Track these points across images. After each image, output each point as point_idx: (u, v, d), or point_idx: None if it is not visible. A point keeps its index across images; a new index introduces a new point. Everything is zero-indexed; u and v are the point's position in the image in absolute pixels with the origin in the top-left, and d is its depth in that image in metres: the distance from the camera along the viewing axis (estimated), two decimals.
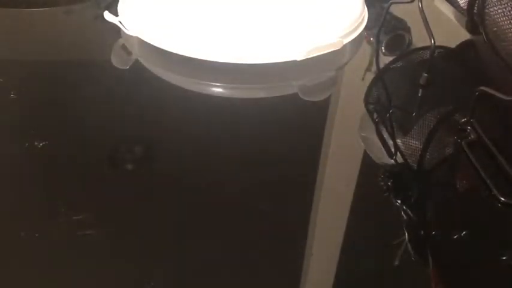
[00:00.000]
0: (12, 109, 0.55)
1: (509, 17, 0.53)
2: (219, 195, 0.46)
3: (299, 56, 0.58)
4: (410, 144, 0.51)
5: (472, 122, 0.50)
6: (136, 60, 0.62)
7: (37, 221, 0.43)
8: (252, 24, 0.61)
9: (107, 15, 0.62)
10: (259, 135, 0.53)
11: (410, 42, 0.68)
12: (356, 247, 0.43)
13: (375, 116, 0.55)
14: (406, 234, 0.42)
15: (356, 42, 0.64)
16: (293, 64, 0.58)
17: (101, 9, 0.68)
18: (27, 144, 0.49)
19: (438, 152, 0.51)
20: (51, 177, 0.47)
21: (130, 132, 0.53)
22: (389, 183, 0.47)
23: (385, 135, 0.52)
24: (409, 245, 0.42)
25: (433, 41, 0.55)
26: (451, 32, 0.71)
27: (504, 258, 0.41)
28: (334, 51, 0.60)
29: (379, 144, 0.51)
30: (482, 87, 0.49)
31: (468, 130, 0.50)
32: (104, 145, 0.51)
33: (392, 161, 0.50)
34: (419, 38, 0.66)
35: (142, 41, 0.61)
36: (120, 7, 0.64)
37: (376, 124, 0.54)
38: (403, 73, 0.64)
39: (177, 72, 0.62)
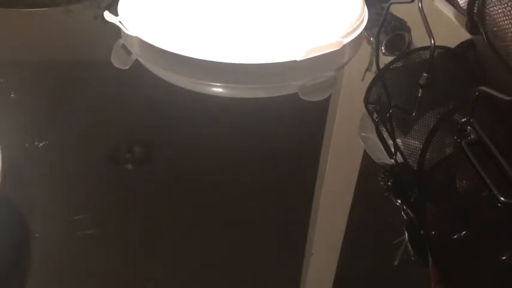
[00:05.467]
0: (12, 109, 0.55)
1: (509, 17, 0.53)
2: (219, 195, 0.46)
3: (299, 56, 0.58)
4: (410, 144, 0.51)
5: (472, 122, 0.50)
6: (136, 60, 0.62)
7: (37, 221, 0.43)
8: (252, 24, 0.61)
9: (107, 15, 0.62)
10: (259, 135, 0.53)
11: (410, 42, 0.68)
12: (356, 247, 0.43)
13: (375, 116, 0.55)
14: (406, 234, 0.42)
15: (356, 42, 0.64)
16: (293, 64, 0.58)
17: (101, 9, 0.68)
18: (27, 144, 0.49)
19: (438, 152, 0.51)
20: (51, 177, 0.47)
21: (130, 132, 0.53)
22: (389, 183, 0.47)
23: (385, 135, 0.52)
24: (409, 245, 0.42)
25: (433, 41, 0.55)
26: (451, 32, 0.71)
27: (504, 258, 0.41)
28: (334, 51, 0.60)
29: (379, 144, 0.51)
30: (482, 87, 0.49)
31: (468, 130, 0.50)
32: (104, 145, 0.51)
33: (392, 161, 0.50)
34: (419, 38, 0.66)
35: (142, 41, 0.61)
36: (120, 7, 0.64)
37: (376, 124, 0.54)
38: (403, 73, 0.64)
39: (177, 72, 0.62)
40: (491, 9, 0.56)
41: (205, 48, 0.58)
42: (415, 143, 0.51)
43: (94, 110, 0.55)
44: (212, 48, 0.58)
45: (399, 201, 0.45)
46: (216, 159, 0.50)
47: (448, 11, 0.72)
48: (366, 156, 0.51)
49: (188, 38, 0.58)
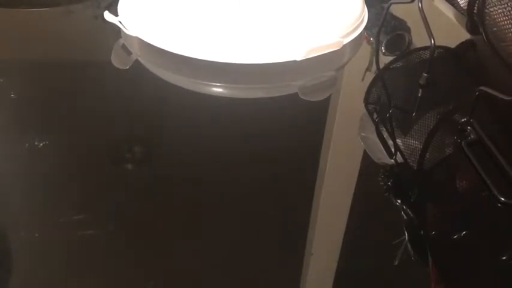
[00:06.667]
0: (12, 109, 0.55)
1: (509, 17, 0.53)
2: (219, 195, 0.46)
3: (299, 56, 0.58)
4: (410, 144, 0.51)
5: (472, 122, 0.50)
6: (136, 60, 0.62)
7: (37, 221, 0.43)
8: (252, 24, 0.61)
9: (107, 15, 0.62)
10: (259, 135, 0.53)
11: (410, 42, 0.68)
12: (356, 247, 0.43)
13: (375, 116, 0.55)
14: (406, 234, 0.42)
15: (356, 42, 0.64)
16: (293, 64, 0.58)
17: (101, 9, 0.68)
18: (27, 144, 0.49)
19: (438, 152, 0.51)
20: (51, 177, 0.47)
21: (130, 132, 0.53)
22: (389, 183, 0.47)
23: (385, 135, 0.52)
24: (409, 245, 0.42)
25: (433, 41, 0.55)
26: (451, 32, 0.71)
27: (504, 258, 0.41)
28: (334, 51, 0.60)
29: (379, 144, 0.51)
30: (482, 87, 0.49)
31: (468, 130, 0.50)
32: (104, 145, 0.51)
33: (392, 161, 0.50)
34: (419, 38, 0.66)
35: (142, 41, 0.61)
36: (120, 7, 0.64)
37: (376, 124, 0.54)
38: (403, 73, 0.64)
39: (177, 72, 0.62)
40: (491, 9, 0.56)
41: (205, 48, 0.58)
42: (415, 143, 0.51)
43: (94, 110, 0.55)
44: (212, 48, 0.58)
45: (399, 201, 0.45)
46: (216, 159, 0.50)
47: (448, 11, 0.72)
48: (366, 156, 0.51)
49: (188, 38, 0.58)
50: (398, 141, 0.52)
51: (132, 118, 0.55)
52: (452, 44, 0.67)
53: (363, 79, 0.62)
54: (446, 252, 0.42)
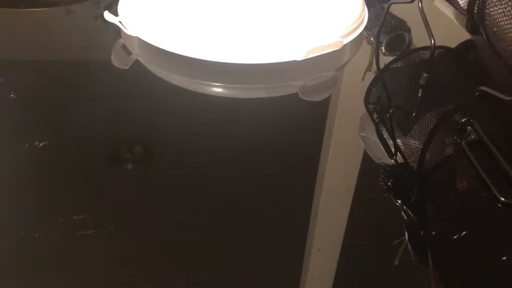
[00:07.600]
0: (12, 109, 0.55)
1: (509, 17, 0.53)
2: (219, 194, 0.46)
3: (299, 56, 0.58)
4: (410, 144, 0.51)
5: (472, 122, 0.50)
6: (137, 60, 0.62)
7: (37, 221, 0.43)
8: (252, 24, 0.61)
9: (107, 15, 0.62)
10: (259, 135, 0.53)
11: (410, 42, 0.68)
12: (356, 247, 0.43)
13: (375, 116, 0.55)
14: (406, 234, 0.42)
15: (356, 42, 0.64)
16: (293, 64, 0.58)
17: (100, 9, 0.68)
18: (27, 144, 0.49)
19: (438, 152, 0.51)
20: (51, 177, 0.47)
21: (130, 132, 0.53)
22: (389, 183, 0.47)
23: (385, 135, 0.52)
24: (409, 245, 0.42)
25: (433, 41, 0.55)
26: (451, 32, 0.71)
27: (504, 258, 0.41)
28: (334, 51, 0.60)
29: (379, 144, 0.51)
30: (482, 87, 0.49)
31: (468, 130, 0.50)
32: (103, 145, 0.51)
33: (392, 161, 0.50)
34: (419, 38, 0.66)
35: (142, 41, 0.61)
36: (120, 7, 0.64)
37: (376, 124, 0.54)
38: (403, 73, 0.64)
39: (177, 72, 0.62)
40: (491, 9, 0.56)
41: (205, 48, 0.58)
42: (415, 143, 0.51)
43: (94, 110, 0.55)
44: (212, 48, 0.58)
45: (399, 201, 0.45)
46: (215, 159, 0.50)
47: (448, 11, 0.72)
48: (366, 156, 0.51)
49: (188, 38, 0.58)
50: (399, 141, 0.52)
51: (132, 118, 0.55)
52: (452, 44, 0.67)
53: (363, 79, 0.62)
54: (446, 252, 0.42)
